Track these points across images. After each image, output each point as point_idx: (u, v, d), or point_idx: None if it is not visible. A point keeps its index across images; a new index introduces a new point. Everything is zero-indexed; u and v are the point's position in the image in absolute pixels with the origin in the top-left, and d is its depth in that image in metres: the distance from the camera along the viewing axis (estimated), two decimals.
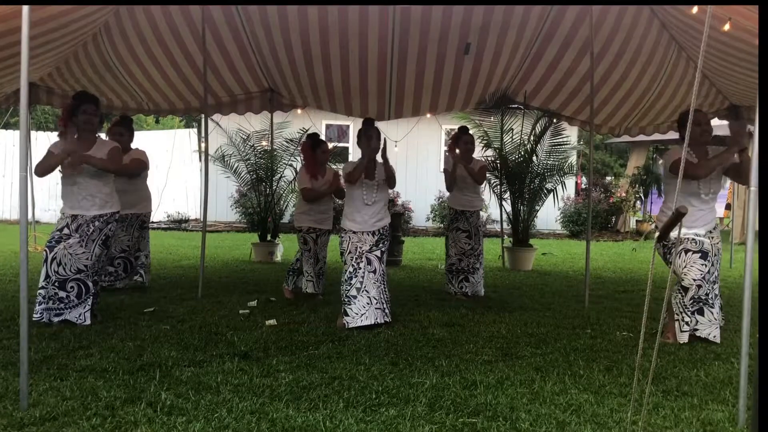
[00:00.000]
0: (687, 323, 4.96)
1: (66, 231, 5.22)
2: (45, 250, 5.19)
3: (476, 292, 6.99)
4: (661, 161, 18.46)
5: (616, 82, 8.12)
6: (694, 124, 5.04)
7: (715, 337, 4.99)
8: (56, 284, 5.17)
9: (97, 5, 5.99)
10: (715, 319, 5.00)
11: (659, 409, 3.56)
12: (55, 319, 5.18)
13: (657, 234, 2.77)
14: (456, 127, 7.61)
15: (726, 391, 3.89)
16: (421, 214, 16.69)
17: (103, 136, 6.05)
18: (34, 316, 5.15)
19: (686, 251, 4.99)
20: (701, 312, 4.94)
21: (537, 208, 10.25)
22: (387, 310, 5.50)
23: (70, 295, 5.21)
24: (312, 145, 6.65)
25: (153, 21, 7.11)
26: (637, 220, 17.71)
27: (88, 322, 5.25)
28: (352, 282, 5.41)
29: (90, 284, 5.28)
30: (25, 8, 3.42)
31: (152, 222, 16.61)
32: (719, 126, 11.36)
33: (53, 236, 5.22)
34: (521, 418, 3.39)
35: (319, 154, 6.59)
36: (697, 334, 4.97)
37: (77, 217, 5.26)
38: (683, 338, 4.98)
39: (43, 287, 5.17)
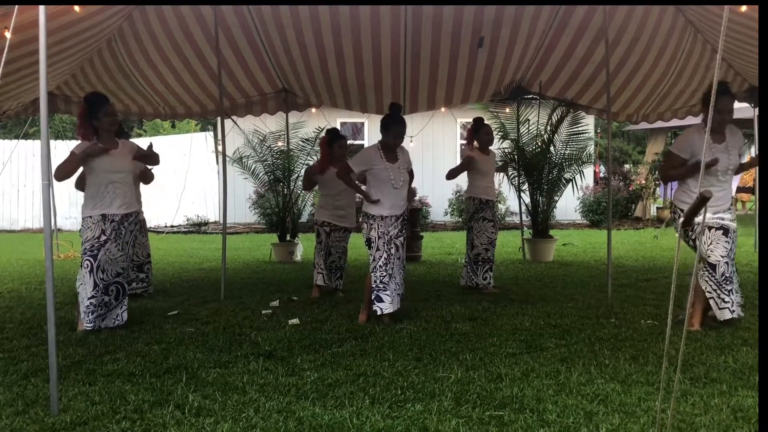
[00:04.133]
0: (724, 300, 4.92)
1: (103, 237, 5.21)
2: (89, 260, 5.18)
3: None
4: None
5: (632, 69, 8.03)
6: (717, 112, 4.98)
7: (738, 315, 4.97)
8: (103, 290, 5.22)
9: (109, 7, 6.04)
10: (737, 295, 4.99)
11: (688, 397, 3.53)
12: (102, 324, 5.25)
13: (681, 219, 2.73)
14: (471, 119, 7.59)
15: (755, 377, 3.83)
16: (438, 209, 16.65)
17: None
18: (87, 326, 5.18)
19: (709, 228, 4.95)
20: (731, 292, 4.90)
21: (556, 198, 10.18)
22: (401, 297, 5.53)
23: (111, 298, 5.28)
24: (329, 140, 6.67)
25: (166, 25, 7.16)
26: (657, 208, 17.54)
27: (124, 320, 5.35)
28: (387, 268, 5.40)
29: (125, 285, 5.39)
30: (42, 8, 3.45)
31: (172, 226, 16.88)
32: (739, 109, 11.25)
33: (92, 245, 5.19)
34: (548, 409, 3.37)
35: (336, 149, 6.59)
36: (734, 315, 4.93)
37: (107, 217, 5.25)
38: (724, 315, 4.92)
39: (93, 296, 5.18)
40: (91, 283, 5.17)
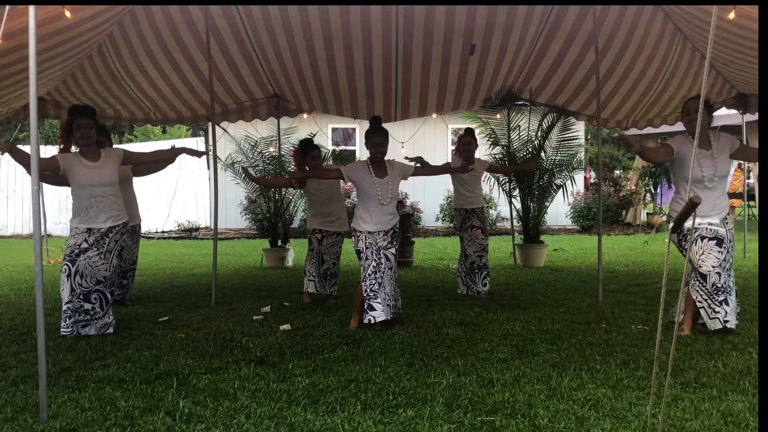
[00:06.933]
0: (715, 310, 4.93)
1: (84, 245, 5.24)
2: (67, 265, 5.19)
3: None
4: None
5: (622, 75, 8.09)
6: (683, 114, 5.17)
7: (735, 324, 4.98)
8: (81, 297, 5.20)
9: (100, 13, 6.02)
10: (734, 307, 4.99)
11: (678, 402, 3.54)
12: (83, 331, 5.22)
13: (671, 225, 2.75)
14: (462, 126, 7.63)
15: (745, 381, 3.86)
16: (430, 215, 16.68)
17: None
18: (63, 331, 5.18)
19: (702, 238, 4.97)
20: (727, 302, 4.92)
21: (546, 204, 10.21)
22: (392, 308, 5.50)
23: (95, 307, 5.26)
24: (302, 151, 6.60)
25: (157, 30, 7.15)
26: (647, 213, 17.62)
27: (111, 330, 5.31)
28: (376, 276, 5.39)
29: (109, 295, 5.35)
30: (32, 8, 3.43)
31: (163, 231, 16.82)
32: (727, 116, 11.34)
33: (72, 250, 5.22)
34: (539, 414, 3.38)
35: (309, 161, 6.54)
36: (728, 325, 4.93)
37: (93, 231, 5.28)
38: (715, 325, 4.93)
39: (69, 301, 5.18)
40: (68, 288, 5.18)
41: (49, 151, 15.06)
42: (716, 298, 4.91)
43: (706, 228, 4.97)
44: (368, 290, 5.38)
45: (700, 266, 4.95)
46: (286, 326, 5.53)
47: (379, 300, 5.35)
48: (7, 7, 4.07)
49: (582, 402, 3.56)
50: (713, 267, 4.90)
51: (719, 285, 4.90)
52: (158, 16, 6.95)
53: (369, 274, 5.40)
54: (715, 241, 4.95)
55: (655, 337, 2.91)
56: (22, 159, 4.99)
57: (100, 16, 6.09)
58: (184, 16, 6.98)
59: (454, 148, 7.55)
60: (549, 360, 4.42)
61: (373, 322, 5.33)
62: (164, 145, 19.31)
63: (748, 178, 15.32)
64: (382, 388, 3.84)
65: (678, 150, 5.05)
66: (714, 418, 3.30)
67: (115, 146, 6.44)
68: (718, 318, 4.91)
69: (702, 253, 4.95)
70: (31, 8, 3.43)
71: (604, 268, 7.33)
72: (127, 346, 4.92)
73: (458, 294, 7.12)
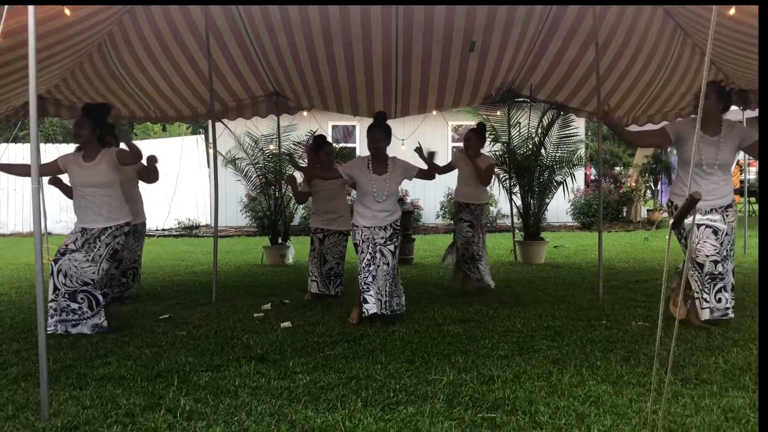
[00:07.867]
0: (706, 300, 4.93)
1: (72, 246, 5.24)
2: (51, 264, 5.22)
3: (488, 282, 7.00)
4: (670, 149, 18.35)
5: (622, 72, 8.08)
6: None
7: (722, 316, 4.96)
8: (66, 296, 5.20)
9: (100, 12, 6.02)
10: (730, 299, 4.98)
11: (679, 398, 3.54)
12: (73, 330, 5.21)
13: (671, 221, 2.76)
14: (462, 123, 7.64)
15: (746, 378, 3.86)
16: (430, 212, 16.67)
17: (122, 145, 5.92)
18: (48, 329, 5.17)
19: (698, 225, 4.96)
20: (720, 291, 4.91)
21: (547, 201, 10.21)
22: (386, 304, 5.49)
23: (83, 307, 5.24)
24: (315, 147, 6.66)
25: (157, 29, 7.14)
26: (648, 210, 17.61)
27: (104, 328, 5.30)
28: (371, 269, 5.42)
29: (99, 296, 5.29)
30: (31, 8, 3.43)
31: (164, 229, 16.82)
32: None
33: (59, 249, 5.26)
34: (540, 411, 3.38)
35: (322, 156, 6.57)
36: (715, 315, 4.90)
37: (86, 230, 5.28)
38: (704, 315, 4.93)
39: (53, 299, 5.19)
40: (51, 287, 5.19)
41: (49, 149, 15.08)
42: (706, 286, 4.91)
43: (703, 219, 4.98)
44: (362, 283, 5.43)
45: (696, 256, 4.95)
46: (287, 324, 5.54)
47: (371, 293, 5.38)
48: (6, 6, 4.06)
49: (582, 398, 3.56)
50: (708, 256, 4.91)
51: (715, 273, 4.90)
52: (158, 15, 6.94)
53: (363, 267, 5.46)
54: (712, 230, 4.96)
55: (655, 334, 2.91)
56: (7, 169, 4.99)
57: (100, 15, 6.08)
58: (184, 15, 6.96)
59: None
60: (549, 357, 4.42)
61: (366, 314, 5.37)
62: (165, 143, 19.31)
63: (749, 174, 15.30)
64: (383, 385, 3.84)
65: (677, 133, 5.07)
66: (714, 414, 3.31)
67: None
68: (709, 308, 4.91)
69: (698, 242, 4.96)
70: (31, 7, 3.43)
71: (604, 264, 7.32)
72: (127, 344, 4.93)
73: (458, 291, 7.11)
